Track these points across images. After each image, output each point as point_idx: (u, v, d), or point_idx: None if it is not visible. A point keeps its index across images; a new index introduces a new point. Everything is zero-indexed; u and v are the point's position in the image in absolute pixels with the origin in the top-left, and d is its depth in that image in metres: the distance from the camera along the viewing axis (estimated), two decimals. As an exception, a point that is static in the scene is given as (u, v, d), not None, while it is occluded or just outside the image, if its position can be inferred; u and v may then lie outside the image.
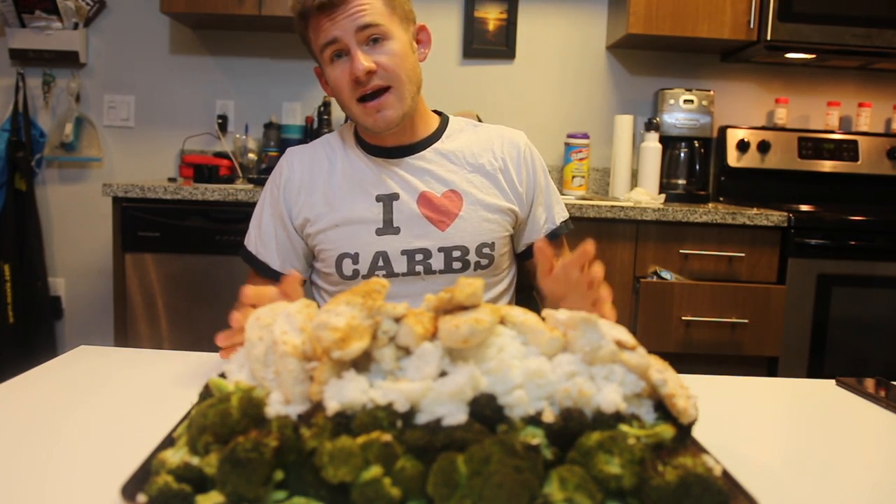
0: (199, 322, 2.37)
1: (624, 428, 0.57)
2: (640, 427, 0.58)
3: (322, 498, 0.53)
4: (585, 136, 2.77)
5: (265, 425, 0.58)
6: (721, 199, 2.86)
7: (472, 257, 1.24)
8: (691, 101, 2.78)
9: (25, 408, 0.83)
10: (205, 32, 2.92)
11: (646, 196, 2.58)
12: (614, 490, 0.53)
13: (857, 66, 2.91)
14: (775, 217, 2.33)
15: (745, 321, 2.30)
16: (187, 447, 0.59)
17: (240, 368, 0.68)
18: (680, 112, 2.79)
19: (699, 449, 0.62)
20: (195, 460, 0.57)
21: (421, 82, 1.23)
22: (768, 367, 2.38)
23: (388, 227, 1.23)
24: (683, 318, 2.29)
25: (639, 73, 2.96)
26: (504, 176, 1.28)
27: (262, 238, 1.30)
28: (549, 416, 0.58)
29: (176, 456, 0.58)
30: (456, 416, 0.56)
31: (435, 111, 1.33)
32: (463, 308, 0.64)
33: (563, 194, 2.37)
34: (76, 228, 2.96)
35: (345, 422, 0.56)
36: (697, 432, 0.63)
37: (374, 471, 0.53)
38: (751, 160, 2.83)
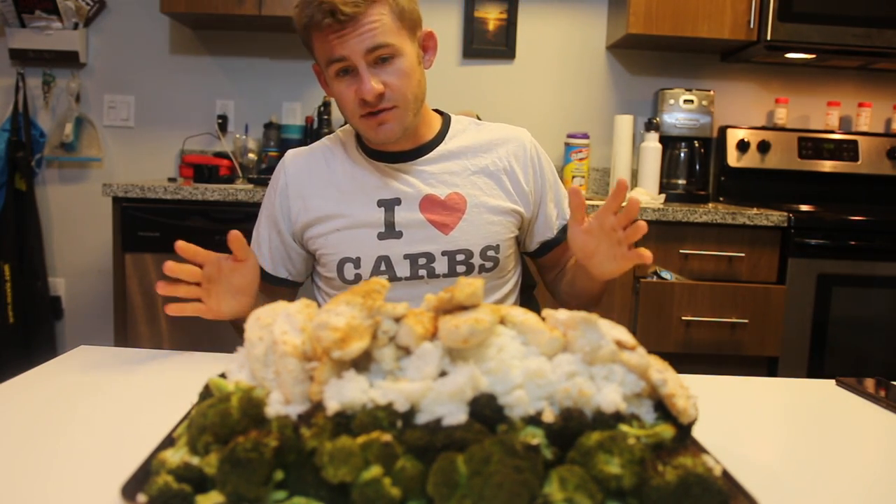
0: (199, 322, 2.36)
1: (624, 428, 0.57)
2: (640, 427, 0.58)
3: (322, 498, 0.53)
4: (585, 136, 2.77)
5: (265, 425, 0.58)
6: (721, 199, 2.86)
7: (477, 260, 1.22)
8: (691, 101, 2.78)
9: (25, 408, 0.83)
10: (205, 32, 2.92)
11: (646, 196, 2.58)
12: (614, 490, 0.53)
13: (857, 66, 2.91)
14: (775, 217, 2.33)
15: (745, 321, 2.30)
16: (187, 447, 0.59)
17: (240, 368, 0.68)
18: (680, 112, 2.79)
19: (699, 449, 0.62)
20: (195, 460, 0.57)
21: (425, 94, 1.21)
22: (768, 367, 2.38)
23: (391, 232, 1.21)
24: (683, 318, 2.29)
25: (639, 73, 2.96)
26: (509, 177, 1.26)
27: (258, 241, 1.30)
28: (549, 416, 0.58)
29: (176, 456, 0.58)
30: (456, 416, 0.56)
31: (436, 110, 1.31)
32: (463, 308, 0.64)
33: (563, 194, 2.37)
34: (76, 228, 2.96)
35: (345, 422, 0.56)
36: (697, 432, 0.63)
37: (374, 471, 0.53)
38: (751, 160, 2.83)
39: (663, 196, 2.59)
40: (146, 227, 2.35)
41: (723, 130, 2.88)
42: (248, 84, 2.94)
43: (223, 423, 0.57)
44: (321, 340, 0.59)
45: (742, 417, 0.91)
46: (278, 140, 2.86)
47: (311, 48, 1.18)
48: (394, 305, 0.64)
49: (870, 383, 1.02)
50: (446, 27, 2.90)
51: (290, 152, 1.31)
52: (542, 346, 0.64)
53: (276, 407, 0.60)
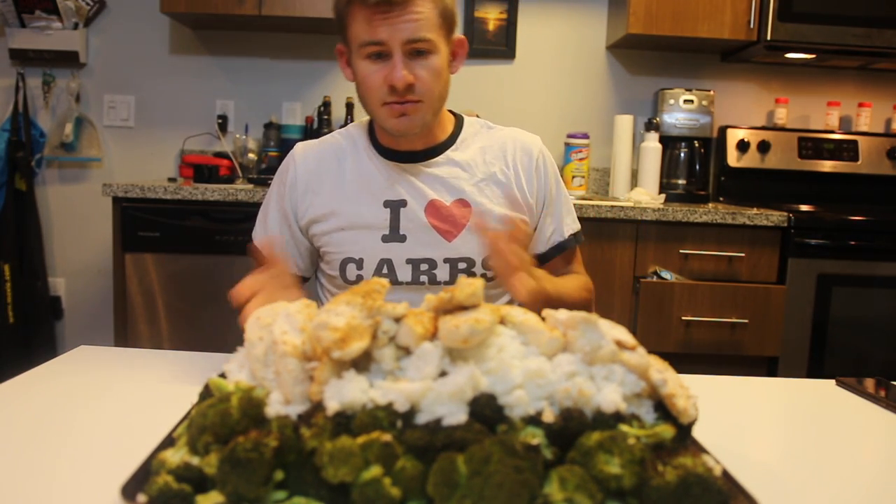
0: (199, 322, 2.37)
1: (624, 428, 0.57)
2: (640, 427, 0.58)
3: (322, 498, 0.53)
4: (585, 136, 2.77)
5: (265, 425, 0.58)
6: (721, 199, 2.86)
7: (478, 269, 1.22)
8: (691, 101, 2.78)
9: (25, 408, 0.83)
10: (205, 32, 2.92)
11: (646, 196, 2.58)
12: (614, 490, 0.53)
13: (857, 66, 2.91)
14: (775, 217, 2.33)
15: (745, 321, 2.30)
16: (187, 447, 0.59)
17: (240, 368, 0.68)
18: (680, 112, 2.79)
19: (699, 449, 0.62)
20: (195, 460, 0.57)
21: (447, 96, 1.21)
22: (768, 367, 2.38)
23: (395, 235, 1.21)
24: (683, 318, 2.29)
25: (639, 73, 2.96)
26: (516, 185, 1.25)
27: (267, 234, 1.29)
28: (549, 416, 0.58)
29: (176, 456, 0.58)
30: (456, 416, 0.56)
31: (450, 111, 1.30)
32: (463, 308, 0.64)
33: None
34: (76, 228, 2.96)
35: (345, 422, 0.56)
36: (697, 432, 0.63)
37: (374, 471, 0.53)
38: (751, 160, 2.83)
39: (663, 196, 2.59)
40: (146, 227, 2.35)
41: (723, 130, 2.88)
42: (248, 84, 2.94)
43: (223, 423, 0.57)
44: (321, 340, 0.59)
45: (742, 417, 0.91)
46: (278, 140, 2.86)
47: (345, 24, 1.15)
48: (394, 305, 0.64)
49: (870, 383, 1.02)
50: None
51: (300, 145, 1.30)
52: (542, 346, 0.64)
53: (276, 407, 0.60)
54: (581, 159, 2.74)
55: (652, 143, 2.71)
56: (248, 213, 2.29)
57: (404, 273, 1.21)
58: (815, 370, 2.37)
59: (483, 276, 1.22)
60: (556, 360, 0.62)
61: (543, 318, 0.68)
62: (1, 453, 0.70)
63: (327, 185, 1.24)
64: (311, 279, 1.36)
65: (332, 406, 0.57)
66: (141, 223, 2.35)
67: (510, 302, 1.32)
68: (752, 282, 2.35)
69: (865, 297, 2.37)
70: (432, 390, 0.57)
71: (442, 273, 1.21)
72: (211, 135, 2.93)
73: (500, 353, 0.62)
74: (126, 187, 2.32)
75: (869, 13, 2.52)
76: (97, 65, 2.92)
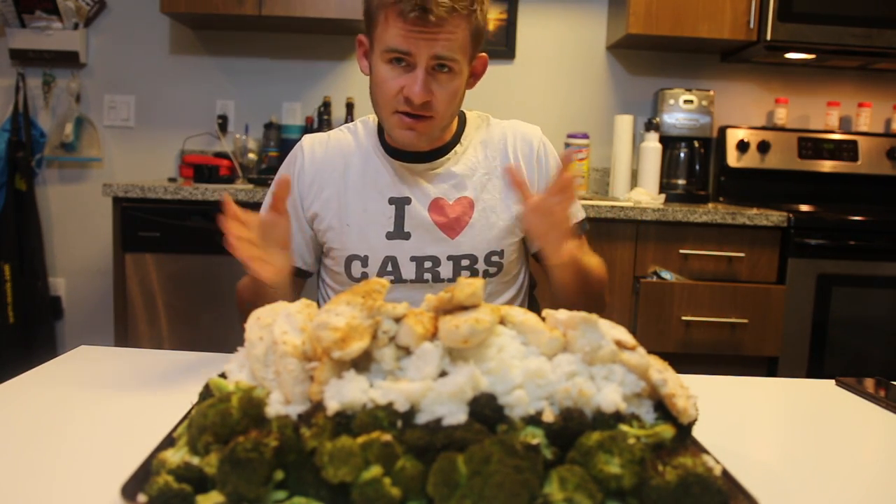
0: (199, 322, 2.37)
1: (624, 428, 0.57)
2: (640, 427, 0.58)
3: (322, 498, 0.53)
4: (585, 136, 2.77)
5: (265, 425, 0.58)
6: (721, 199, 2.86)
7: (481, 265, 1.23)
8: (691, 101, 2.78)
9: (25, 408, 0.83)
10: (205, 32, 2.92)
11: (646, 196, 2.58)
12: (614, 490, 0.53)
13: (857, 66, 2.91)
14: (775, 217, 2.33)
15: (745, 321, 2.30)
16: (187, 447, 0.59)
17: (240, 368, 0.68)
18: (680, 112, 2.79)
19: (699, 449, 0.62)
20: (195, 460, 0.57)
21: (458, 111, 1.21)
22: (768, 367, 2.38)
23: (399, 232, 1.21)
24: (683, 318, 2.29)
25: (639, 73, 2.96)
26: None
27: None
28: (549, 416, 0.58)
29: (176, 456, 0.58)
30: (456, 416, 0.56)
31: None
32: (463, 308, 0.64)
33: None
34: (76, 228, 2.96)
35: (345, 422, 0.56)
36: (697, 432, 0.63)
37: (374, 471, 0.53)
38: (751, 160, 2.83)
39: (663, 196, 2.59)
40: (146, 227, 2.35)
41: (723, 130, 2.88)
42: (248, 84, 2.94)
43: (223, 423, 0.57)
44: (321, 340, 0.59)
45: (742, 417, 0.92)
46: (278, 140, 2.86)
47: (375, 23, 1.12)
48: (394, 305, 0.64)
49: (869, 383, 1.02)
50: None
51: (308, 137, 1.29)
52: (542, 346, 0.64)
53: (276, 407, 0.60)
54: (581, 159, 2.74)
55: (652, 143, 2.71)
56: (248, 213, 2.29)
57: (408, 271, 1.22)
58: (814, 370, 2.37)
59: (486, 272, 1.23)
60: (556, 360, 0.62)
61: (543, 318, 0.68)
62: (1, 453, 0.70)
63: (333, 179, 1.24)
64: (312, 278, 1.36)
65: (333, 406, 0.57)
66: (141, 223, 2.35)
67: (515, 298, 1.32)
68: (752, 282, 2.35)
69: (865, 297, 2.37)
70: (432, 390, 0.57)
71: (445, 270, 1.22)
72: (211, 135, 2.93)
73: (500, 353, 0.62)
74: (126, 187, 2.32)
75: (869, 13, 2.52)
76: (97, 65, 2.92)
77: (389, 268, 1.21)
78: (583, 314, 0.64)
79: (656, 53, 2.93)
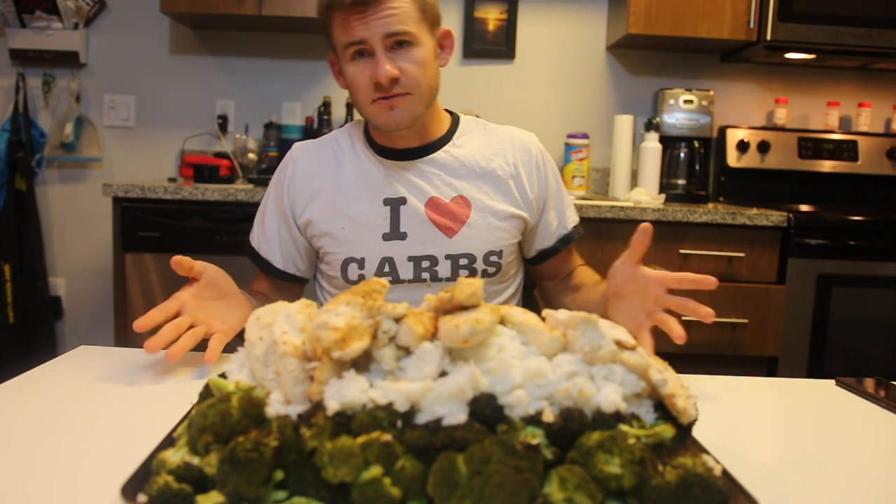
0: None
1: (624, 428, 0.57)
2: (640, 427, 0.58)
3: (322, 498, 0.53)
4: (585, 136, 2.77)
5: (265, 425, 0.58)
6: (721, 199, 2.86)
7: (480, 265, 1.22)
8: (691, 101, 2.78)
9: (25, 408, 0.83)
10: (205, 32, 2.92)
11: (646, 196, 2.58)
12: (614, 490, 0.53)
13: (857, 66, 2.91)
14: (775, 217, 2.33)
15: (745, 321, 2.30)
16: (187, 447, 0.59)
17: (240, 368, 0.68)
18: (680, 112, 2.79)
19: (699, 449, 0.62)
20: (195, 460, 0.57)
21: (438, 89, 1.21)
22: (768, 367, 2.38)
23: (395, 233, 1.21)
24: (683, 318, 2.29)
25: (639, 73, 2.96)
26: (515, 182, 1.25)
27: (265, 235, 1.29)
28: (549, 416, 0.58)
29: (176, 456, 0.58)
30: (456, 416, 0.56)
31: (446, 110, 1.31)
32: (463, 308, 0.64)
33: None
34: (76, 228, 2.96)
35: (345, 422, 0.56)
36: (697, 432, 0.63)
37: (374, 471, 0.53)
38: (751, 160, 2.83)
39: (663, 196, 2.59)
40: (146, 227, 2.35)
41: (723, 130, 2.88)
42: (248, 84, 2.94)
43: (223, 423, 0.57)
44: (321, 340, 0.59)
45: (742, 417, 0.91)
46: (278, 140, 2.86)
47: (330, 31, 1.16)
48: (394, 305, 0.64)
49: (869, 383, 1.02)
50: (446, 27, 2.90)
51: (299, 144, 1.30)
52: (542, 346, 0.64)
53: (276, 407, 0.60)
54: (581, 159, 2.74)
55: (652, 143, 2.71)
56: (248, 213, 2.28)
57: (406, 271, 1.21)
58: (814, 370, 2.37)
59: (484, 272, 1.23)
60: (556, 360, 0.62)
61: (543, 318, 0.68)
62: (1, 453, 0.70)
63: (326, 184, 1.24)
64: (309, 282, 1.36)
65: (332, 406, 0.57)
66: (141, 223, 2.35)
67: (512, 298, 1.32)
68: (752, 282, 2.35)
69: (865, 297, 2.37)
70: (432, 390, 0.57)
71: (443, 269, 1.21)
72: (211, 135, 2.93)
73: (500, 353, 0.62)
74: (126, 187, 2.32)
75: (869, 13, 2.53)
76: (97, 65, 2.92)
77: (387, 269, 1.21)
78: (583, 314, 0.64)
79: (656, 53, 2.93)
